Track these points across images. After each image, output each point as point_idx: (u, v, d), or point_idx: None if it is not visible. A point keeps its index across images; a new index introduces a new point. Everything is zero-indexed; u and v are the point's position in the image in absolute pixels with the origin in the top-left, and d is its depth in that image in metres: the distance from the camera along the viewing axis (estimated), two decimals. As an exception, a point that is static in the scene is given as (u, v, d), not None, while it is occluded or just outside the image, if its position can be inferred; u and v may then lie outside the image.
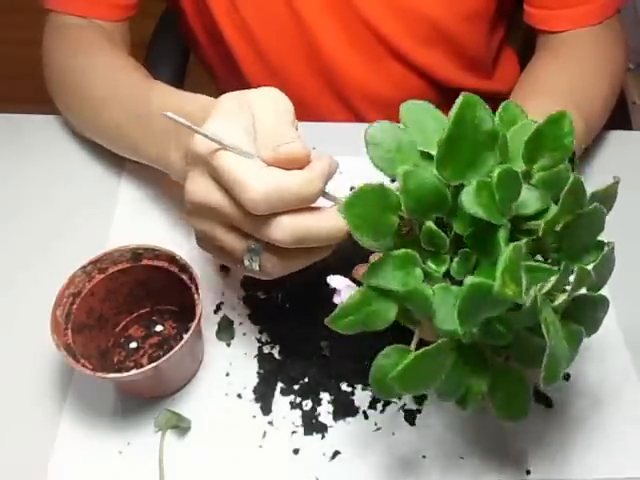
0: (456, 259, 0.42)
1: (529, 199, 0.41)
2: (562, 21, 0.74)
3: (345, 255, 0.61)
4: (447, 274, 0.42)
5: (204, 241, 0.48)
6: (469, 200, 0.39)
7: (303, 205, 0.43)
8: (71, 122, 0.73)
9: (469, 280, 0.37)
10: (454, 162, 0.40)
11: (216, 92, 0.49)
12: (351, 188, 0.70)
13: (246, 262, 0.45)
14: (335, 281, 0.44)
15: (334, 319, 0.41)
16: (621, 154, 0.74)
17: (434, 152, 0.41)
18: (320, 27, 0.78)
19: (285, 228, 0.42)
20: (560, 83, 0.69)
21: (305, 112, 0.86)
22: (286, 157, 0.42)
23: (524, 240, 0.39)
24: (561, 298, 0.39)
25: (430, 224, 0.41)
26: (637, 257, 0.63)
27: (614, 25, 0.75)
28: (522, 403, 0.45)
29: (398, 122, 0.80)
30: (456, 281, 0.42)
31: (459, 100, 0.39)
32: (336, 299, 0.44)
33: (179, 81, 0.98)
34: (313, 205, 0.44)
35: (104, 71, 0.67)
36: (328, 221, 0.43)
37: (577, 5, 0.72)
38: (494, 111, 0.42)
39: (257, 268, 0.45)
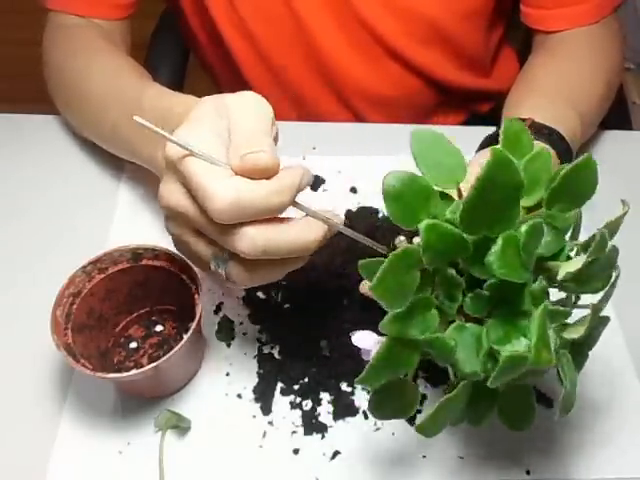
0: (470, 295, 0.41)
1: (547, 241, 0.41)
2: (558, 21, 0.74)
3: (340, 253, 0.61)
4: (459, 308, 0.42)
5: (178, 245, 0.48)
6: (496, 262, 0.38)
7: (269, 216, 0.42)
8: (70, 122, 0.73)
9: (505, 353, 0.37)
10: (479, 220, 0.39)
11: (216, 92, 0.49)
12: (351, 189, 0.70)
13: (212, 268, 0.44)
14: (362, 340, 0.43)
15: (366, 379, 0.40)
16: (621, 154, 0.74)
17: (453, 191, 0.41)
18: (318, 27, 0.78)
19: (249, 239, 0.41)
20: (556, 83, 0.70)
21: (304, 111, 0.87)
22: (252, 167, 0.41)
23: (548, 303, 0.39)
24: (579, 331, 0.39)
25: (451, 272, 0.41)
26: (637, 258, 0.63)
27: (611, 24, 0.75)
28: (528, 414, 0.45)
29: (397, 122, 0.80)
30: (469, 316, 0.41)
31: (489, 158, 0.37)
32: (365, 356, 0.43)
33: (179, 81, 0.98)
34: (283, 215, 0.43)
35: (102, 71, 0.67)
36: (295, 233, 0.42)
37: (573, 4, 0.72)
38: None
39: (223, 276, 0.44)
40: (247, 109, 0.44)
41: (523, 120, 0.59)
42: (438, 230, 0.39)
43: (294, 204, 0.43)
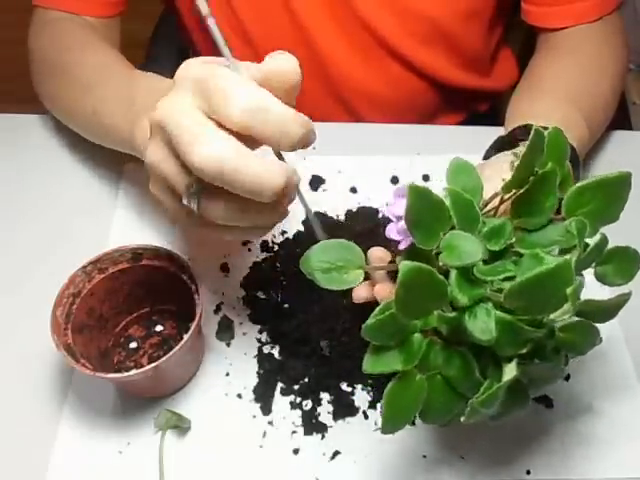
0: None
1: None
2: (561, 18, 0.73)
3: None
4: None
5: (153, 173, 0.45)
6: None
7: (281, 142, 0.41)
8: (55, 112, 0.73)
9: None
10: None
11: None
12: (351, 189, 0.70)
13: (185, 200, 0.43)
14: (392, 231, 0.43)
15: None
16: (621, 154, 0.74)
17: None
18: (318, 28, 0.78)
19: (213, 150, 0.39)
20: (562, 84, 0.69)
21: (304, 114, 0.86)
22: (276, 69, 0.43)
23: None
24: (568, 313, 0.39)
25: None
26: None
27: (614, 22, 0.75)
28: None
29: (397, 122, 0.80)
30: None
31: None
32: (402, 245, 0.43)
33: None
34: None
35: (89, 60, 0.66)
36: (256, 167, 0.40)
37: (576, 1, 0.72)
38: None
39: (196, 209, 0.43)
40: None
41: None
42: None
43: (278, 154, 0.43)
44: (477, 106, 0.93)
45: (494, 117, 0.90)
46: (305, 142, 0.42)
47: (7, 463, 0.52)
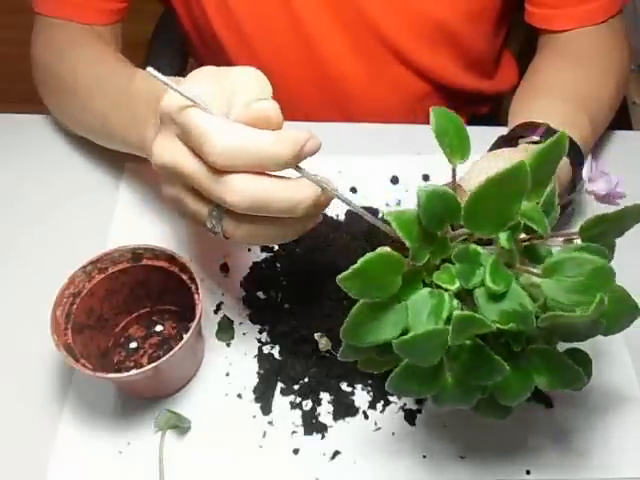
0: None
1: None
2: (564, 20, 0.73)
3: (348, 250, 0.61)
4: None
5: (174, 205, 0.47)
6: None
7: (267, 168, 0.41)
8: (62, 120, 0.73)
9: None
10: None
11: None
12: (351, 189, 0.70)
13: (209, 226, 0.44)
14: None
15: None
16: (621, 154, 0.74)
17: None
18: (320, 28, 0.77)
19: (238, 189, 0.40)
20: (566, 85, 0.69)
21: (301, 116, 0.86)
22: (257, 113, 0.41)
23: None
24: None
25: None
26: (637, 258, 0.63)
27: (617, 24, 0.74)
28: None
29: (391, 122, 0.79)
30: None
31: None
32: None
33: (178, 82, 0.98)
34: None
35: (89, 63, 0.67)
36: (284, 190, 0.41)
37: (579, 4, 0.72)
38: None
39: (221, 234, 0.44)
40: (249, 78, 0.45)
41: (538, 125, 0.59)
42: (435, 194, 0.39)
43: (295, 168, 0.42)
44: (478, 109, 0.93)
45: (495, 120, 0.90)
46: (302, 155, 0.42)
47: (7, 463, 0.52)
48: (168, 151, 0.43)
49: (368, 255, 0.38)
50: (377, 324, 0.40)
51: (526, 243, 0.42)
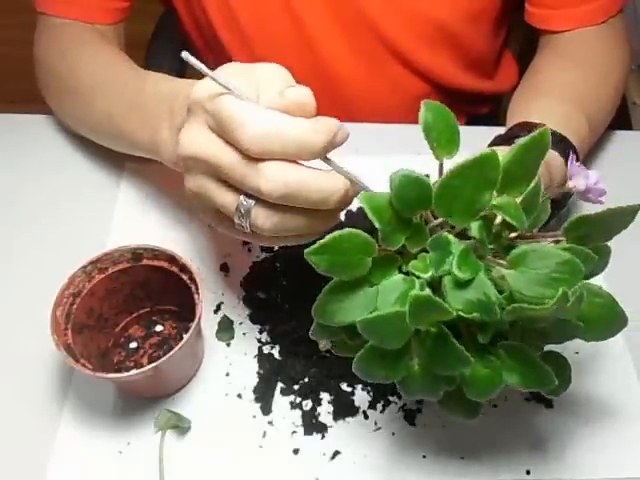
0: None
1: None
2: (564, 21, 0.73)
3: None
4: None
5: (197, 199, 0.45)
6: None
7: (302, 157, 0.41)
8: (65, 121, 0.73)
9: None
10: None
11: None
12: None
13: (236, 220, 0.43)
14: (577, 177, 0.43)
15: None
16: (621, 154, 0.74)
17: None
18: (320, 29, 0.78)
19: (272, 175, 0.40)
20: (565, 85, 0.69)
21: None
22: (295, 100, 0.40)
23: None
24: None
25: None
26: (637, 258, 0.63)
27: (617, 25, 0.74)
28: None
29: (391, 123, 0.79)
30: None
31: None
32: (571, 183, 0.43)
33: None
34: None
35: (92, 63, 0.66)
36: (317, 180, 0.41)
37: (579, 4, 0.72)
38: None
39: (248, 227, 0.43)
40: (274, 73, 0.44)
41: (535, 125, 0.59)
42: (409, 179, 0.39)
43: (324, 159, 0.42)
44: (477, 109, 0.93)
45: (494, 121, 0.90)
46: (333, 144, 0.41)
47: (7, 463, 0.52)
48: (197, 140, 0.42)
49: (338, 232, 0.38)
50: (347, 304, 0.40)
51: (513, 242, 0.42)
